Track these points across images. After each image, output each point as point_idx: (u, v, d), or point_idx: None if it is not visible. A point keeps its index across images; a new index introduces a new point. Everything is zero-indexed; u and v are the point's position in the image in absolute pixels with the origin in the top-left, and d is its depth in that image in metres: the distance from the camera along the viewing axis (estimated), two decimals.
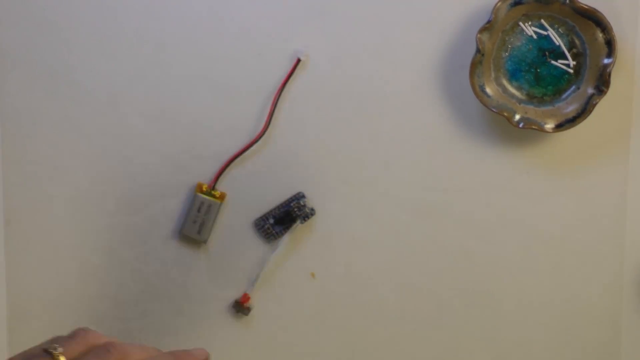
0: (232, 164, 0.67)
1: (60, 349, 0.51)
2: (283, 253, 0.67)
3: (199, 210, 0.67)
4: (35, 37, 0.67)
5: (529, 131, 0.65)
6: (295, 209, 0.66)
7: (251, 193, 0.67)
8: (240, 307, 0.67)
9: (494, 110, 0.63)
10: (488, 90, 0.64)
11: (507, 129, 0.65)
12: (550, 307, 0.67)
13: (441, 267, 0.67)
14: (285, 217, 0.66)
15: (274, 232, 0.67)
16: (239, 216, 0.67)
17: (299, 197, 0.66)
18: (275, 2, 0.66)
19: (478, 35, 0.63)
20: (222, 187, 0.67)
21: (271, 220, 0.67)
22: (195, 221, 0.67)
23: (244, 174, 0.67)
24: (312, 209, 0.66)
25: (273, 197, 0.67)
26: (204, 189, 0.67)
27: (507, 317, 0.67)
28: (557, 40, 0.63)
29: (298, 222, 0.66)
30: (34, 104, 0.67)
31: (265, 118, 0.66)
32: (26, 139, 0.68)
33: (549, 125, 0.64)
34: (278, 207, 0.67)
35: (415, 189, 0.67)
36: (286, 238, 0.66)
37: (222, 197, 0.67)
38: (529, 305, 0.67)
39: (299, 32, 0.66)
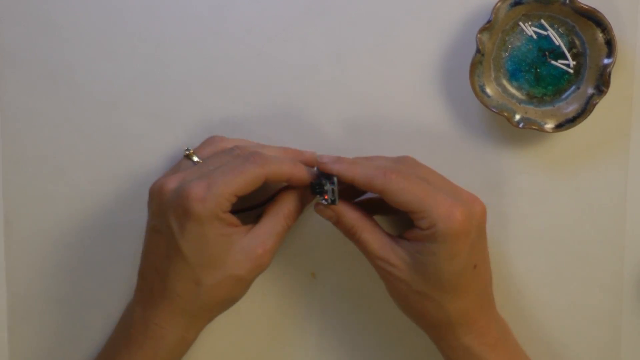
0: None
1: (192, 150, 0.62)
2: (284, 246, 0.67)
3: None
4: (35, 37, 0.67)
5: (529, 131, 0.65)
6: (317, 187, 0.61)
7: None
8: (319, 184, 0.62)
9: (494, 110, 0.64)
10: (488, 90, 0.64)
11: (507, 129, 0.65)
12: (550, 307, 0.67)
13: None
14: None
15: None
16: None
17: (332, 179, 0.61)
18: (275, 2, 0.66)
19: (478, 35, 0.63)
20: None
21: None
22: None
23: None
24: (335, 198, 0.61)
25: None
26: None
27: (507, 317, 0.67)
28: (557, 40, 0.63)
29: (319, 198, 0.61)
30: (34, 104, 0.67)
31: (263, 118, 0.66)
32: (26, 139, 0.68)
33: (549, 125, 0.64)
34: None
35: None
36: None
37: None
38: (529, 305, 0.67)
39: (299, 32, 0.66)
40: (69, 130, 0.67)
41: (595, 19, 0.62)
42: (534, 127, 0.63)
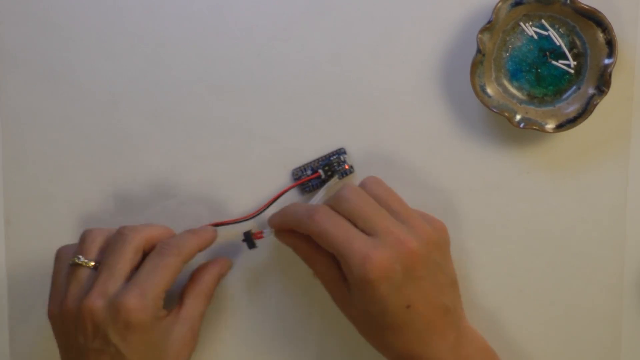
0: None
1: (82, 257, 0.59)
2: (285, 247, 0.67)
3: None
4: (35, 37, 0.67)
5: (530, 131, 0.65)
6: (335, 164, 0.65)
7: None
8: (250, 239, 0.64)
9: (495, 110, 0.63)
10: (489, 90, 0.64)
11: (507, 129, 0.65)
12: (551, 307, 0.67)
13: None
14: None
15: (310, 184, 0.66)
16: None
17: (340, 152, 0.66)
18: (275, 2, 0.66)
19: (479, 35, 0.62)
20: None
21: (309, 172, 0.66)
22: None
23: None
24: (352, 167, 0.66)
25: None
26: None
27: (507, 317, 0.67)
28: (558, 41, 0.63)
29: (336, 177, 0.66)
30: (34, 104, 0.67)
31: (263, 118, 0.66)
32: (26, 139, 0.68)
33: (550, 126, 0.64)
34: (318, 160, 0.66)
35: (416, 189, 0.67)
36: (322, 192, 0.66)
37: None
38: (529, 305, 0.67)
39: (299, 32, 0.66)
40: (69, 130, 0.67)
41: (595, 19, 0.62)
42: (534, 127, 0.63)
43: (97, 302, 0.57)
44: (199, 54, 0.66)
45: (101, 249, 0.60)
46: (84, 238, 0.61)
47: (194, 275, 0.64)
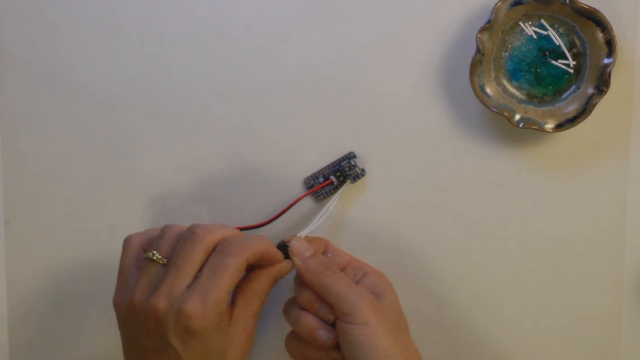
0: None
1: (156, 253, 0.58)
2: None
3: None
4: (35, 37, 0.67)
5: (529, 131, 0.65)
6: (346, 169, 0.65)
7: None
8: (285, 250, 0.63)
9: (494, 110, 0.63)
10: (488, 90, 0.64)
11: (507, 129, 0.65)
12: (551, 307, 0.67)
13: (441, 267, 0.67)
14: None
15: (323, 191, 0.66)
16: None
17: (350, 156, 0.66)
18: (275, 2, 0.66)
19: (478, 35, 0.62)
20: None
21: (321, 179, 0.66)
22: None
23: None
24: (363, 169, 0.66)
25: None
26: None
27: (507, 317, 0.67)
28: (557, 40, 0.63)
29: (348, 182, 0.66)
30: (34, 104, 0.67)
31: (263, 118, 0.67)
32: (26, 139, 0.68)
33: (549, 125, 0.64)
34: (328, 166, 0.66)
35: (416, 189, 0.67)
36: (335, 198, 0.66)
37: None
38: (529, 305, 0.67)
39: (299, 32, 0.66)
40: (69, 130, 0.68)
41: (595, 19, 0.62)
42: (534, 127, 0.63)
43: (161, 303, 0.56)
44: (199, 54, 0.66)
45: (174, 245, 0.59)
46: (162, 233, 0.60)
47: (250, 274, 0.61)
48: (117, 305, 0.59)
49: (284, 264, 0.62)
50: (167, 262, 0.58)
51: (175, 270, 0.57)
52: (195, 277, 0.57)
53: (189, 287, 0.57)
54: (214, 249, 0.58)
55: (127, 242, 0.61)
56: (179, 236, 0.59)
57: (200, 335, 0.56)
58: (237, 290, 0.61)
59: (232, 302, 0.61)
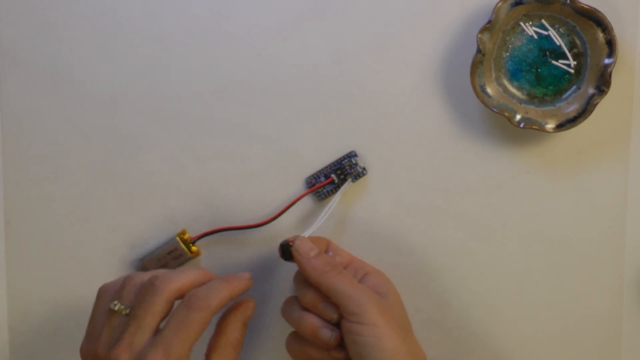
0: None
1: (117, 304, 0.57)
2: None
3: (169, 253, 0.67)
4: (35, 37, 0.67)
5: (530, 131, 0.65)
6: (347, 167, 0.65)
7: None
8: (289, 251, 0.63)
9: (495, 110, 0.63)
10: (489, 90, 0.64)
11: (507, 129, 0.65)
12: (551, 307, 0.67)
13: (441, 267, 0.67)
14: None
15: (324, 190, 0.66)
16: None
17: (351, 155, 0.66)
18: (275, 2, 0.66)
19: (479, 35, 0.62)
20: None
21: (322, 178, 0.66)
22: (160, 260, 0.67)
23: None
24: (364, 168, 0.66)
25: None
26: (185, 237, 0.67)
27: (507, 317, 0.67)
28: (558, 40, 0.63)
29: (349, 180, 0.66)
30: (34, 104, 0.67)
31: (263, 118, 0.66)
32: (26, 139, 0.68)
33: (550, 125, 0.64)
34: (330, 165, 0.66)
35: (416, 189, 0.67)
36: (337, 197, 0.66)
37: (196, 253, 0.67)
38: (529, 305, 0.67)
39: (299, 32, 0.66)
40: (69, 130, 0.67)
41: (595, 19, 0.62)
42: (534, 127, 0.63)
43: (122, 356, 0.55)
44: (199, 54, 0.66)
45: (136, 295, 0.58)
46: (124, 284, 0.59)
47: (217, 328, 0.60)
48: (83, 354, 0.59)
49: (248, 305, 0.60)
50: (129, 312, 0.57)
51: (136, 323, 0.56)
52: (156, 330, 0.56)
53: (151, 339, 0.55)
54: (178, 297, 0.57)
55: (100, 291, 0.60)
56: (141, 286, 0.58)
57: None
58: (210, 347, 0.59)
59: (206, 354, 0.59)
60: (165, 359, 0.54)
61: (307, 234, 0.63)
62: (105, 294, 0.59)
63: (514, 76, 0.64)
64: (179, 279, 0.57)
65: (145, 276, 0.58)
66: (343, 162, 0.66)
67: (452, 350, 0.68)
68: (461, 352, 0.68)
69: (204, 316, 0.55)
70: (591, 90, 0.63)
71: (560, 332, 0.67)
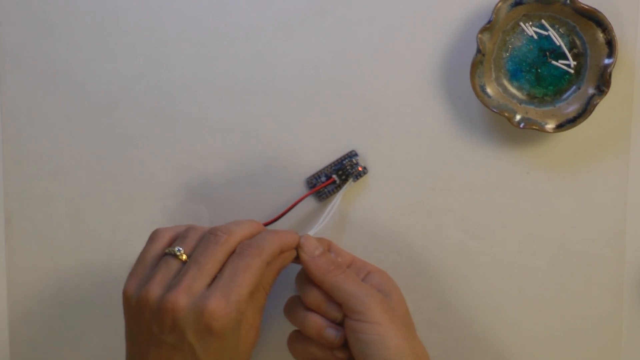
0: None
1: (182, 249, 0.58)
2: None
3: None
4: (35, 37, 0.67)
5: (530, 131, 0.65)
6: (348, 167, 0.65)
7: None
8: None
9: (495, 110, 0.63)
10: (489, 90, 0.64)
11: (507, 129, 0.65)
12: (551, 306, 0.67)
13: (441, 267, 0.67)
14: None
15: (326, 190, 0.66)
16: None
17: (352, 155, 0.66)
18: (275, 2, 0.66)
19: (479, 35, 0.62)
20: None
21: (323, 178, 0.66)
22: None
23: None
24: (365, 168, 0.66)
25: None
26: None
27: (507, 317, 0.67)
28: (558, 41, 0.63)
29: (350, 180, 0.66)
30: (34, 104, 0.67)
31: (263, 118, 0.67)
32: (26, 139, 0.68)
33: (550, 126, 0.64)
34: (330, 165, 0.66)
35: (416, 189, 0.67)
36: (339, 197, 0.66)
37: None
38: (529, 305, 0.67)
39: (299, 32, 0.66)
40: (69, 130, 0.67)
41: (595, 19, 0.62)
42: (534, 127, 0.63)
43: (181, 299, 0.56)
44: (199, 54, 0.66)
45: (196, 245, 0.59)
46: (186, 232, 0.60)
47: None
48: (127, 295, 0.58)
49: (287, 254, 0.61)
50: (189, 259, 0.58)
51: (197, 268, 0.57)
52: (214, 278, 0.57)
53: (209, 286, 0.56)
54: (235, 248, 0.58)
55: (155, 234, 0.60)
56: (202, 236, 0.59)
57: (219, 334, 0.56)
58: None
59: None
60: (225, 305, 0.55)
61: (310, 234, 0.64)
62: (160, 239, 0.60)
63: (513, 76, 0.64)
64: (238, 231, 0.59)
65: (206, 229, 0.60)
66: (344, 162, 0.66)
67: (452, 350, 0.68)
68: (461, 352, 0.68)
69: (258, 262, 0.57)
70: (591, 91, 0.63)
71: (560, 332, 0.67)
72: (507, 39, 0.64)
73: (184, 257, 0.58)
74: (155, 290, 0.57)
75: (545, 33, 0.63)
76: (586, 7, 0.62)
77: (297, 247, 0.62)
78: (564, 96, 0.64)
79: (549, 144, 0.66)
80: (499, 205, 0.67)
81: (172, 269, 0.58)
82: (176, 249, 0.58)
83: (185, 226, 0.61)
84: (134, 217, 0.68)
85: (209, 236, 0.58)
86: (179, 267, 0.58)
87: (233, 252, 0.58)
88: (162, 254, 0.59)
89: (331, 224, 0.67)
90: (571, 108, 0.64)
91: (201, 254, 0.57)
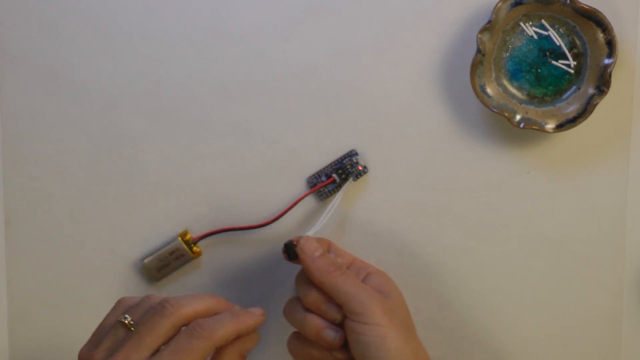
0: None
1: (129, 317, 0.56)
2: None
3: (170, 254, 0.66)
4: (35, 37, 0.67)
5: (530, 131, 0.65)
6: (348, 166, 0.65)
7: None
8: (293, 250, 0.62)
9: (495, 110, 0.63)
10: (489, 90, 0.64)
11: (507, 129, 0.65)
12: (551, 306, 0.67)
13: (441, 267, 0.67)
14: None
15: (326, 190, 0.66)
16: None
17: (352, 154, 0.66)
18: (275, 2, 0.66)
19: (479, 35, 0.62)
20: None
21: (323, 178, 0.66)
22: (162, 260, 0.67)
23: None
24: (365, 167, 0.66)
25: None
26: (187, 238, 0.67)
27: (507, 317, 0.67)
28: (558, 41, 0.63)
29: (350, 179, 0.66)
30: (34, 104, 0.67)
31: (263, 118, 0.66)
32: (26, 139, 0.68)
33: (550, 126, 0.64)
34: (330, 165, 0.66)
35: (416, 189, 0.67)
36: (339, 196, 0.66)
37: (197, 254, 0.67)
38: (529, 305, 0.67)
39: (299, 32, 0.66)
40: (69, 130, 0.67)
41: (595, 19, 0.62)
42: (534, 127, 0.63)
43: None
44: (199, 54, 0.66)
45: (143, 313, 0.57)
46: (141, 301, 0.58)
47: (215, 355, 0.58)
48: (80, 358, 0.58)
49: (246, 339, 0.59)
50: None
51: (136, 339, 0.55)
52: (155, 351, 0.55)
53: (148, 358, 0.54)
54: (186, 323, 0.56)
55: (118, 302, 0.59)
56: (149, 307, 0.57)
57: None
58: None
59: None
60: None
61: (310, 234, 0.64)
62: (120, 306, 0.58)
63: (513, 76, 0.64)
64: (190, 306, 0.56)
65: (158, 298, 0.57)
66: (344, 161, 0.66)
67: (452, 351, 0.68)
68: (461, 353, 0.68)
69: (204, 345, 0.55)
70: (591, 91, 0.63)
71: (560, 332, 0.67)
72: (507, 39, 0.64)
73: (132, 326, 0.56)
74: (97, 356, 0.56)
75: (545, 33, 0.63)
76: (586, 7, 0.62)
77: (297, 249, 0.61)
78: (564, 96, 0.64)
79: (549, 144, 0.66)
80: (499, 205, 0.67)
81: (118, 336, 0.56)
82: (123, 316, 0.56)
83: (144, 296, 0.59)
84: (134, 217, 0.68)
85: (156, 306, 0.56)
86: (124, 335, 0.56)
87: (179, 327, 0.56)
88: (116, 322, 0.57)
89: (331, 224, 0.67)
90: (571, 108, 0.64)
91: (143, 324, 0.56)
